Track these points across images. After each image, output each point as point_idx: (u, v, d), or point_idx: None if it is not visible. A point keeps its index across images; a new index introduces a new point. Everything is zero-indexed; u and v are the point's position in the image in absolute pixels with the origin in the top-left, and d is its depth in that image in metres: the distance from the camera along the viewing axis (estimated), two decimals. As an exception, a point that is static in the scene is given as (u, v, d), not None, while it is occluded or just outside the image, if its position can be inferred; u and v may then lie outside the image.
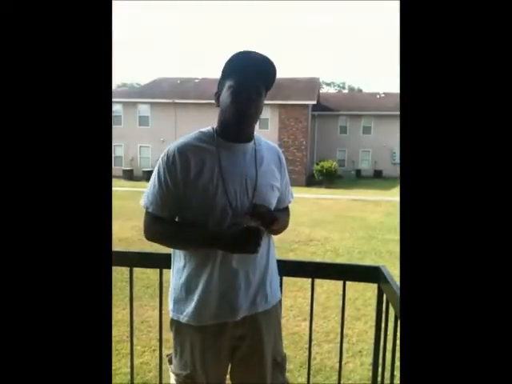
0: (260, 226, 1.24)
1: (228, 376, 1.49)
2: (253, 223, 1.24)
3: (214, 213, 1.29)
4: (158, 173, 1.33)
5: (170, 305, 1.44)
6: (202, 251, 1.33)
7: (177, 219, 1.39)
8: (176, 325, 1.41)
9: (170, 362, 1.48)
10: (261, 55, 1.29)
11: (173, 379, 1.45)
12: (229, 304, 1.33)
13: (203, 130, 1.38)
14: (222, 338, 1.37)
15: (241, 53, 1.28)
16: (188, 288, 1.36)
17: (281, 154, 1.49)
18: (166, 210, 1.35)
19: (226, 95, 1.29)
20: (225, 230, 1.29)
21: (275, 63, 1.32)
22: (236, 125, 1.31)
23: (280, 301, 1.51)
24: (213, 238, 1.29)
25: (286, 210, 1.55)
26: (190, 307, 1.35)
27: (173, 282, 1.43)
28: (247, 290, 1.35)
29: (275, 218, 1.36)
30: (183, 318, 1.37)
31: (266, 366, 1.41)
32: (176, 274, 1.42)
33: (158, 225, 1.37)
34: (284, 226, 1.49)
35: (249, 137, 1.38)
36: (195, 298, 1.34)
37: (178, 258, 1.41)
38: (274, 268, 1.47)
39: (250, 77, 1.28)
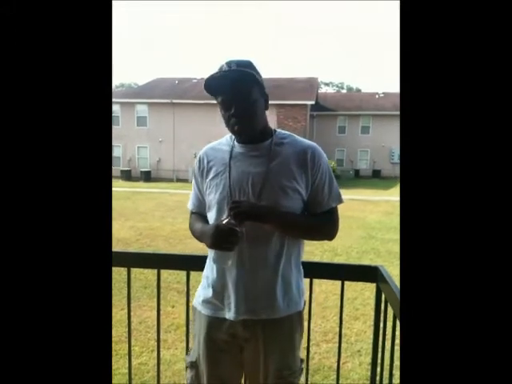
0: (233, 224, 1.22)
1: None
2: (230, 220, 1.23)
3: (216, 210, 1.36)
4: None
5: None
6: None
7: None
8: (194, 311, 1.49)
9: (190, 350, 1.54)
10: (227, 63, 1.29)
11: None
12: (228, 302, 1.36)
13: (228, 134, 1.46)
14: (225, 334, 1.38)
15: (206, 79, 1.29)
16: (205, 279, 1.46)
17: (311, 152, 1.34)
18: (195, 207, 1.52)
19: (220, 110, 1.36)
20: (208, 226, 1.35)
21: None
22: (237, 135, 1.37)
23: (299, 312, 1.41)
24: (202, 234, 1.39)
25: (324, 215, 1.40)
26: (203, 297, 1.43)
27: None
28: (247, 293, 1.33)
29: (255, 214, 1.26)
30: (198, 306, 1.46)
31: (267, 376, 1.38)
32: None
33: (190, 219, 1.56)
34: (298, 228, 1.37)
35: (259, 137, 1.37)
36: (207, 288, 1.43)
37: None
38: (290, 277, 1.37)
39: (223, 92, 1.30)
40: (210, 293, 1.40)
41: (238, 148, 1.39)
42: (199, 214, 1.51)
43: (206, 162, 1.42)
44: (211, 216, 1.39)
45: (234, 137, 1.41)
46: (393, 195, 15.44)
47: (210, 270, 1.43)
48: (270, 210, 1.30)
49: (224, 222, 1.24)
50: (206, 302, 1.42)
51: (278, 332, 1.37)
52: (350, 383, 2.93)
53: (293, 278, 1.38)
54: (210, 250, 1.39)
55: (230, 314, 1.35)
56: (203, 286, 1.45)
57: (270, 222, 1.30)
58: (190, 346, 1.82)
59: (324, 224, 1.42)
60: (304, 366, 1.51)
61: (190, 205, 1.54)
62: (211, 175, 1.39)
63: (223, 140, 1.46)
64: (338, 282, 1.74)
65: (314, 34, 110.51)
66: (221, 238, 1.23)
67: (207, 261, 1.47)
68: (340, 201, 1.43)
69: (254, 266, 1.32)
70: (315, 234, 1.46)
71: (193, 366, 1.44)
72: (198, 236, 1.43)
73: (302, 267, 1.45)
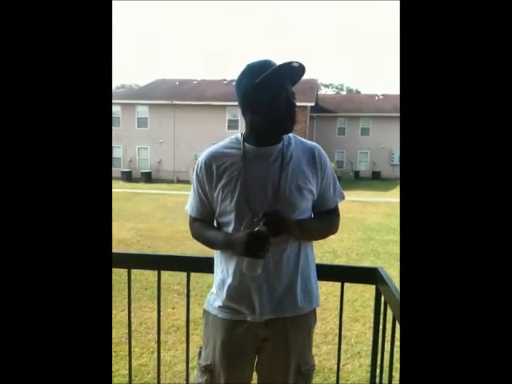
0: (265, 232, 1.22)
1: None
2: (262, 228, 1.23)
3: (235, 216, 1.33)
4: (193, 180, 1.45)
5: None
6: (228, 251, 1.38)
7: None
8: (206, 315, 1.47)
9: (200, 354, 1.50)
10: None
11: (196, 370, 1.49)
12: (251, 304, 1.35)
13: (232, 136, 1.42)
14: (245, 336, 1.38)
15: (267, 61, 1.30)
16: (220, 283, 1.41)
17: (317, 153, 1.40)
18: (200, 213, 1.46)
19: (272, 104, 1.29)
20: (237, 233, 1.31)
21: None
22: (290, 127, 1.34)
23: (315, 309, 1.47)
24: (227, 241, 1.34)
25: (331, 212, 1.47)
26: (219, 301, 1.41)
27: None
28: (271, 293, 1.35)
29: (286, 226, 1.30)
30: (212, 310, 1.43)
31: (287, 373, 1.40)
32: (215, 269, 1.48)
33: (194, 226, 1.49)
34: (313, 234, 1.45)
35: (279, 139, 1.38)
36: (224, 293, 1.39)
37: (217, 255, 1.46)
38: (308, 273, 1.42)
39: (286, 83, 1.31)
40: (227, 297, 1.38)
41: (252, 151, 1.35)
42: (203, 220, 1.46)
43: (214, 167, 1.35)
44: (227, 222, 1.37)
45: (242, 140, 1.37)
46: (392, 197, 15.44)
47: (225, 274, 1.39)
48: (298, 223, 1.34)
49: (255, 230, 1.24)
50: (223, 306, 1.39)
51: (300, 329, 1.42)
52: (350, 385, 2.93)
53: (311, 273, 1.44)
54: (221, 255, 1.40)
55: (253, 317, 1.35)
56: (218, 290, 1.42)
57: (295, 234, 1.35)
58: (190, 347, 1.81)
59: (332, 222, 1.48)
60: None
61: (191, 211, 1.48)
62: (223, 181, 1.33)
63: (227, 143, 1.40)
64: (338, 284, 1.74)
65: (313, 34, 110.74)
66: (255, 246, 1.23)
67: (219, 265, 1.43)
68: (343, 197, 1.50)
69: (277, 268, 1.34)
70: (326, 235, 1.51)
71: (207, 369, 1.42)
72: (219, 243, 1.38)
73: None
